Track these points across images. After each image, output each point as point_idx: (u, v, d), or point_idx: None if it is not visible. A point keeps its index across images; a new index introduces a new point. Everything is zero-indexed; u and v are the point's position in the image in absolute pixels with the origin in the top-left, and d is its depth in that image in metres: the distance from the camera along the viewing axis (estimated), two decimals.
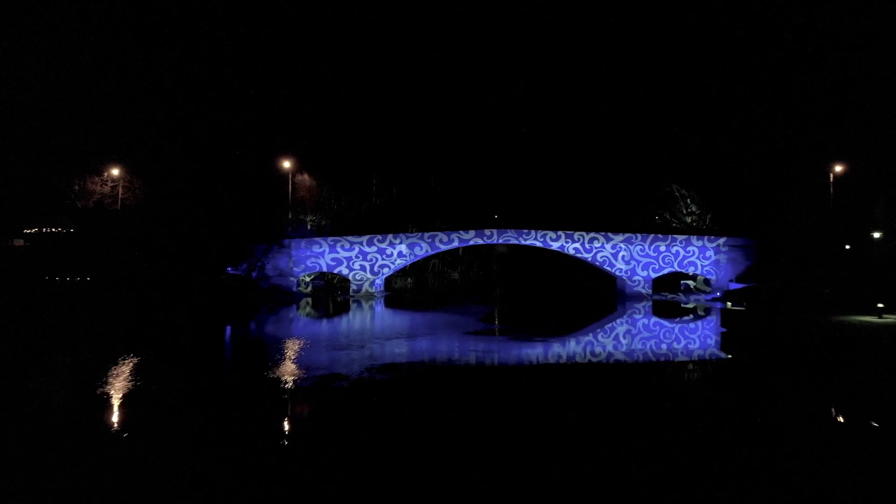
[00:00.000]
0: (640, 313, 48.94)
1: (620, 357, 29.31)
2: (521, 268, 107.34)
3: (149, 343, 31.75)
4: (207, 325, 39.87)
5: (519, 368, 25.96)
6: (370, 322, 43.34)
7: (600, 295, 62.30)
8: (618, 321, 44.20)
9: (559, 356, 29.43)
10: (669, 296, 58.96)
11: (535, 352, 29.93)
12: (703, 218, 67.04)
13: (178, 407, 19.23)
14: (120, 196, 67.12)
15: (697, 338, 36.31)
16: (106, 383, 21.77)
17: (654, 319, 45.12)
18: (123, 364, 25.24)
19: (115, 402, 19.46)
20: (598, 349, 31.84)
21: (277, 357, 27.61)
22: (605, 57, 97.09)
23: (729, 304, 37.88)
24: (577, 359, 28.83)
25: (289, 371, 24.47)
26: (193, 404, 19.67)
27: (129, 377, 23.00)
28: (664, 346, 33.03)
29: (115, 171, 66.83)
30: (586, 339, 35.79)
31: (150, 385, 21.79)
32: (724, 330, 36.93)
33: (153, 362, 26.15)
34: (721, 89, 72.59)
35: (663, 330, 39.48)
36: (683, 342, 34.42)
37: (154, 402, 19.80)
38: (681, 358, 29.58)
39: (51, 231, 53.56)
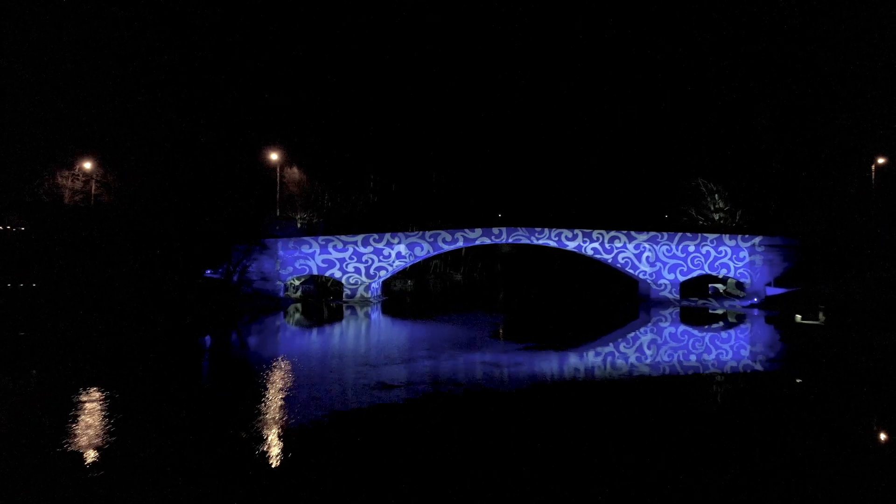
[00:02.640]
0: (668, 321, 41.68)
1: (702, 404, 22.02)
2: (527, 269, 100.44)
3: (94, 366, 24.59)
4: (177, 340, 32.72)
5: (558, 424, 18.70)
6: (364, 337, 36.03)
7: (620, 300, 55.07)
8: (650, 333, 36.91)
9: (615, 408, 22.13)
10: (700, 301, 51.61)
11: (576, 395, 22.64)
12: (733, 215, 59.66)
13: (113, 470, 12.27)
14: (93, 192, 59.99)
15: (770, 366, 28.95)
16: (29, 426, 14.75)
17: (697, 331, 37.82)
18: (59, 396, 18.11)
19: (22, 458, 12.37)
20: (652, 379, 24.53)
21: (245, 394, 20.42)
22: (624, 45, 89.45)
23: (799, 316, 30.78)
24: (638, 406, 21.53)
25: (250, 423, 17.22)
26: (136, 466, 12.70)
27: (57, 417, 15.97)
28: (731, 374, 25.74)
29: (88, 165, 59.74)
30: (628, 364, 28.42)
31: (83, 430, 14.83)
32: (788, 347, 29.75)
33: (96, 394, 18.99)
34: (748, 76, 65.17)
35: (711, 347, 32.15)
36: (761, 375, 27.09)
37: (81, 456, 12.90)
38: (762, 405, 22.28)
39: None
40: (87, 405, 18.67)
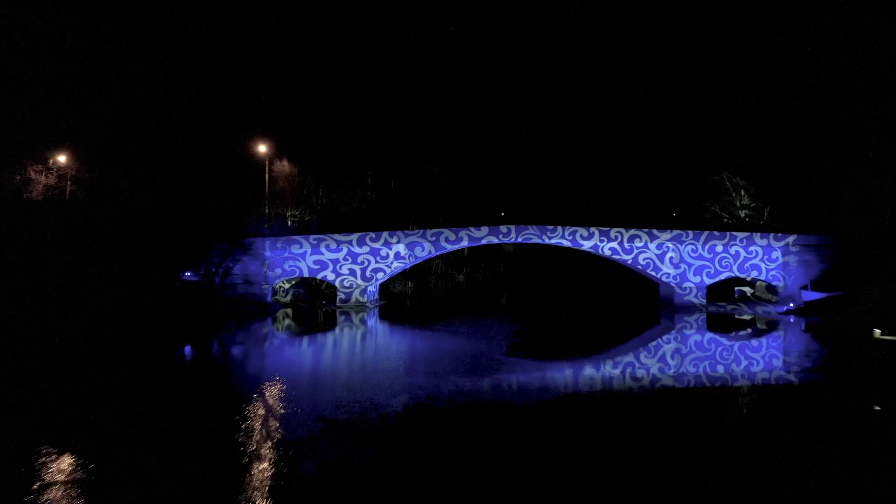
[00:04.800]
0: (703, 333, 35.97)
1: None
2: (532, 269, 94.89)
3: (49, 383, 19.00)
4: (149, 353, 27.13)
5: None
6: (354, 354, 30.24)
7: (639, 305, 49.40)
8: (686, 347, 31.14)
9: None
10: (729, 307, 45.73)
11: (623, 444, 16.88)
12: (760, 211, 53.73)
13: None
14: (68, 188, 54.41)
15: None
16: None
17: (739, 345, 32.01)
18: None
19: None
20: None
21: (185, 442, 14.72)
22: (641, 29, 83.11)
23: (878, 331, 25.09)
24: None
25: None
26: None
27: None
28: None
29: (62, 159, 54.22)
30: (687, 400, 22.67)
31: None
32: (864, 368, 23.98)
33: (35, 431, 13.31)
34: (775, 58, 59.03)
35: (769, 365, 26.32)
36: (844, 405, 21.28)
37: None
38: None
39: None
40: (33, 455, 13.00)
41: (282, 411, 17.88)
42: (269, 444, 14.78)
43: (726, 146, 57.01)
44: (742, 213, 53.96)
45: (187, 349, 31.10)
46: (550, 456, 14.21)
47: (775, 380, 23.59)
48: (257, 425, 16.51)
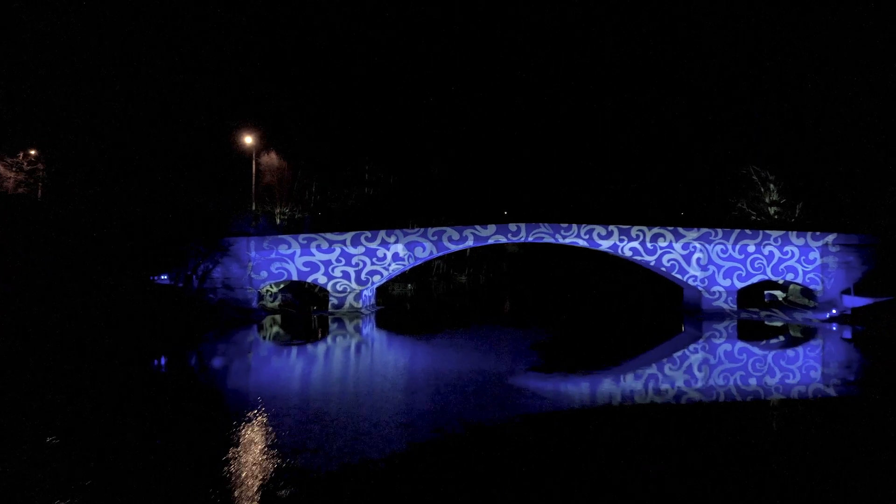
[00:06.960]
0: (755, 346, 31.22)
1: None
2: (536, 269, 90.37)
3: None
4: (109, 371, 22.41)
5: None
6: (351, 375, 25.31)
7: (657, 309, 44.73)
8: (744, 364, 26.36)
9: None
10: (762, 313, 40.90)
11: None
12: (791, 208, 48.89)
13: None
14: (40, 183, 49.63)
15: None
16: None
17: (810, 364, 27.20)
18: None
19: None
20: None
21: None
22: (657, 20, 78.08)
23: None
24: None
25: None
26: None
27: None
28: None
29: (34, 151, 49.43)
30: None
31: None
32: None
33: None
34: (806, 41, 54.14)
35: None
36: None
37: None
38: None
39: None
40: None
41: (243, 465, 13.10)
42: None
43: (752, 138, 52.20)
44: (772, 210, 49.10)
45: (157, 364, 26.45)
46: None
47: (851, 406, 18.83)
48: (207, 482, 11.72)
